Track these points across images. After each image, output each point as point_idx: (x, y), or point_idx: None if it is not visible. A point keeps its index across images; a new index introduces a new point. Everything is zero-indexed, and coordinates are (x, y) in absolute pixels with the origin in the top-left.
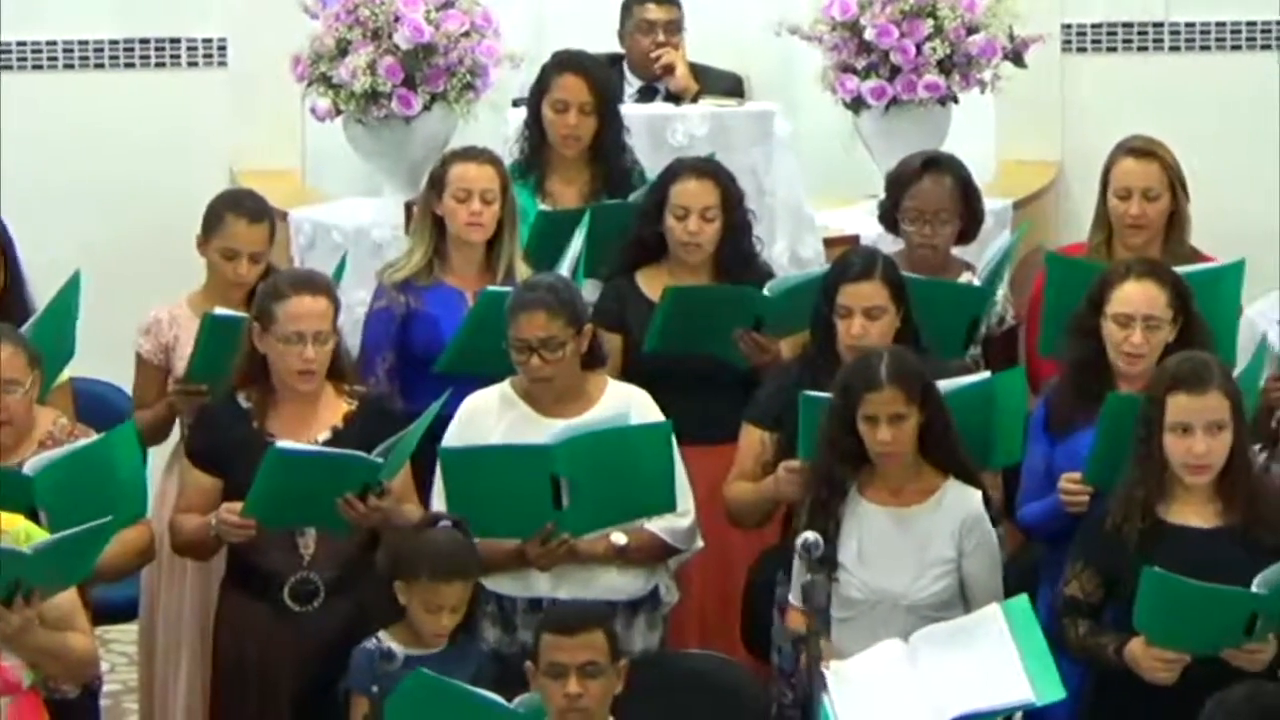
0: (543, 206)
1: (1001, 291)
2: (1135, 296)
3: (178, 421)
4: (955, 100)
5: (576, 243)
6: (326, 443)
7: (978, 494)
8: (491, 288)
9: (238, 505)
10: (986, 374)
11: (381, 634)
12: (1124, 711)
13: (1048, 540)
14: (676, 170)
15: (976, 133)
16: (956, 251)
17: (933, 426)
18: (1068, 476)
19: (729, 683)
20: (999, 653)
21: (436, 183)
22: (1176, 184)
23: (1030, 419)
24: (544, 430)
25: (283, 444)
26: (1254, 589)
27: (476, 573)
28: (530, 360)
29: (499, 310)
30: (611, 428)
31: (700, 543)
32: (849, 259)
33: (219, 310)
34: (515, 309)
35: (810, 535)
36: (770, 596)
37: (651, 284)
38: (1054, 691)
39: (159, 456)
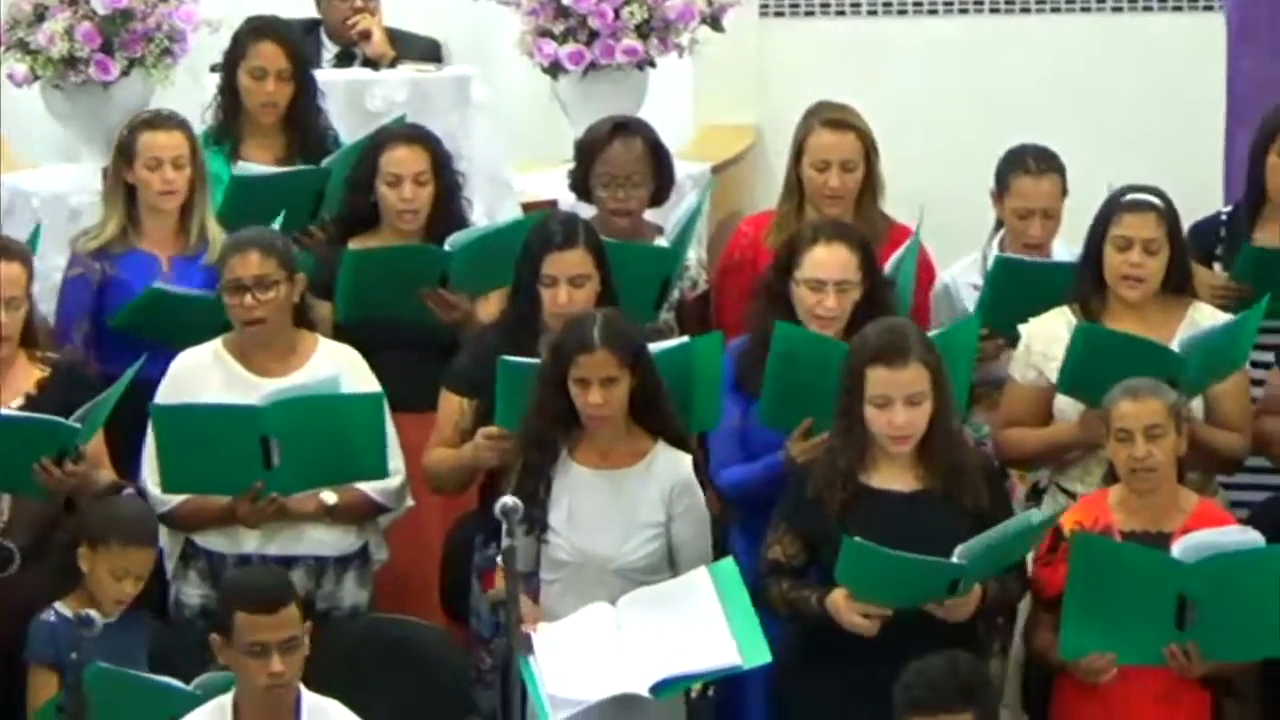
0: (236, 171)
1: (694, 255)
2: (827, 260)
3: None
4: (653, 65)
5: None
6: (20, 409)
7: (687, 458)
8: None
9: None
10: (685, 339)
11: (58, 604)
12: (825, 665)
13: (745, 504)
14: (385, 138)
15: (674, 97)
16: (649, 215)
17: (644, 390)
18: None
19: (428, 647)
20: (706, 616)
21: (125, 151)
22: (870, 152)
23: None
24: (256, 389)
25: None
26: (954, 559)
27: (157, 541)
28: (244, 300)
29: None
30: (323, 394)
31: (410, 501)
32: (550, 227)
33: None
34: (228, 252)
35: (509, 500)
36: (469, 561)
37: None
38: (760, 655)
39: None
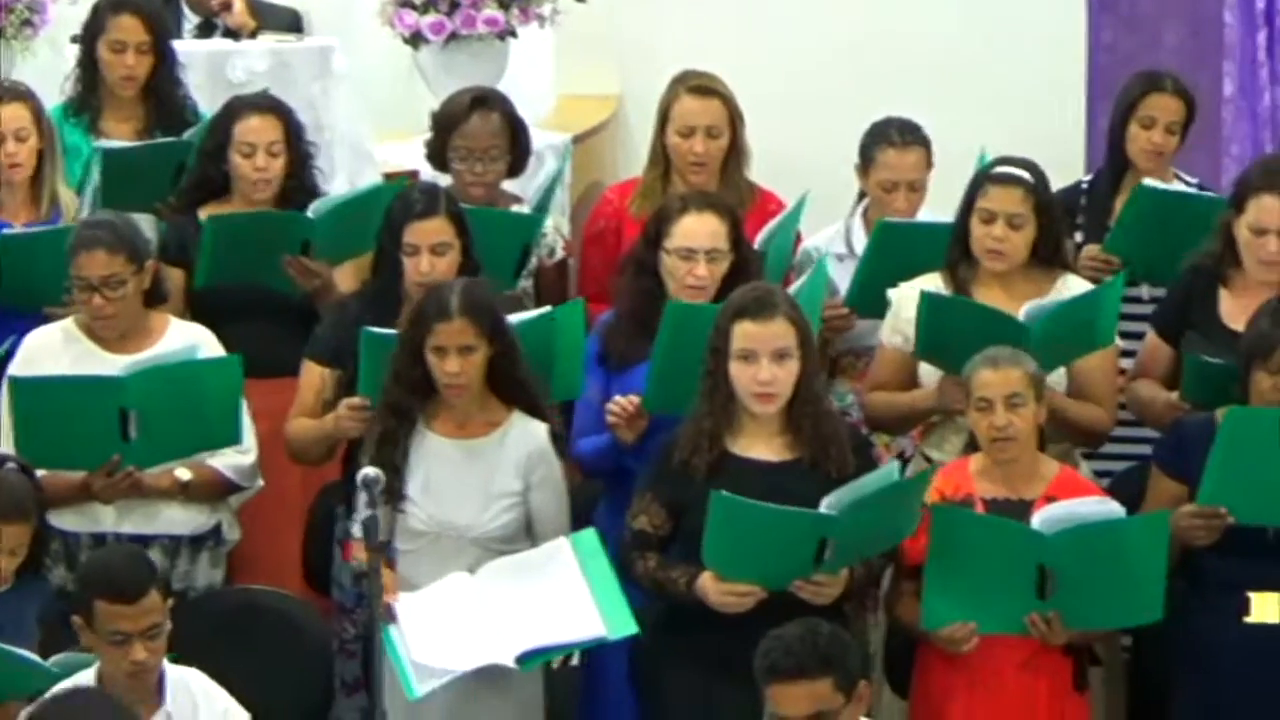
0: (98, 143)
1: (552, 223)
2: (696, 230)
3: None
4: (514, 35)
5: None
6: None
7: (543, 428)
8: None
9: None
10: (546, 309)
11: None
12: (687, 639)
13: (602, 475)
14: (237, 108)
15: (535, 68)
16: (506, 185)
17: (501, 359)
18: (616, 400)
19: (290, 618)
20: (569, 587)
21: None
22: (736, 119)
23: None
24: (108, 366)
25: None
26: (822, 509)
27: (36, 514)
28: (93, 299)
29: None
30: (183, 360)
31: (261, 481)
32: (411, 196)
33: None
34: (76, 248)
35: (370, 470)
36: (330, 532)
37: None
38: (625, 626)
39: None
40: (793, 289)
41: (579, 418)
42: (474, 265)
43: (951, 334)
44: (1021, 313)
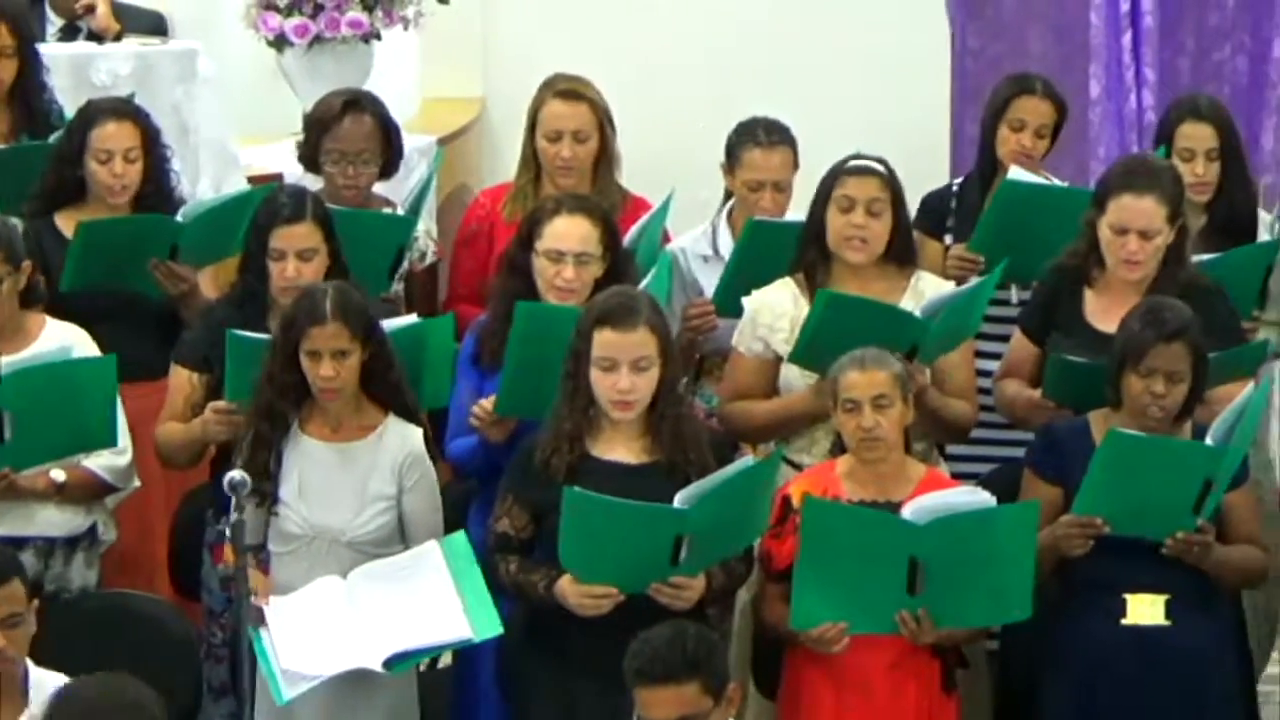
0: None
1: (423, 227)
2: (567, 232)
3: None
4: (379, 37)
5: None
6: None
7: (418, 431)
8: None
9: None
10: (413, 317)
11: None
12: (550, 641)
13: (476, 476)
14: (94, 113)
15: (400, 70)
16: (377, 188)
17: (375, 363)
18: (479, 403)
19: (159, 622)
20: (437, 589)
21: None
22: (605, 123)
23: (458, 355)
24: None
25: None
26: (675, 504)
27: None
28: None
29: None
30: (58, 360)
31: (137, 481)
32: (278, 200)
33: None
34: None
35: (237, 473)
36: (197, 536)
37: (71, 225)
38: (491, 627)
39: None
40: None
41: (453, 418)
42: (342, 269)
43: (844, 334)
44: (918, 309)
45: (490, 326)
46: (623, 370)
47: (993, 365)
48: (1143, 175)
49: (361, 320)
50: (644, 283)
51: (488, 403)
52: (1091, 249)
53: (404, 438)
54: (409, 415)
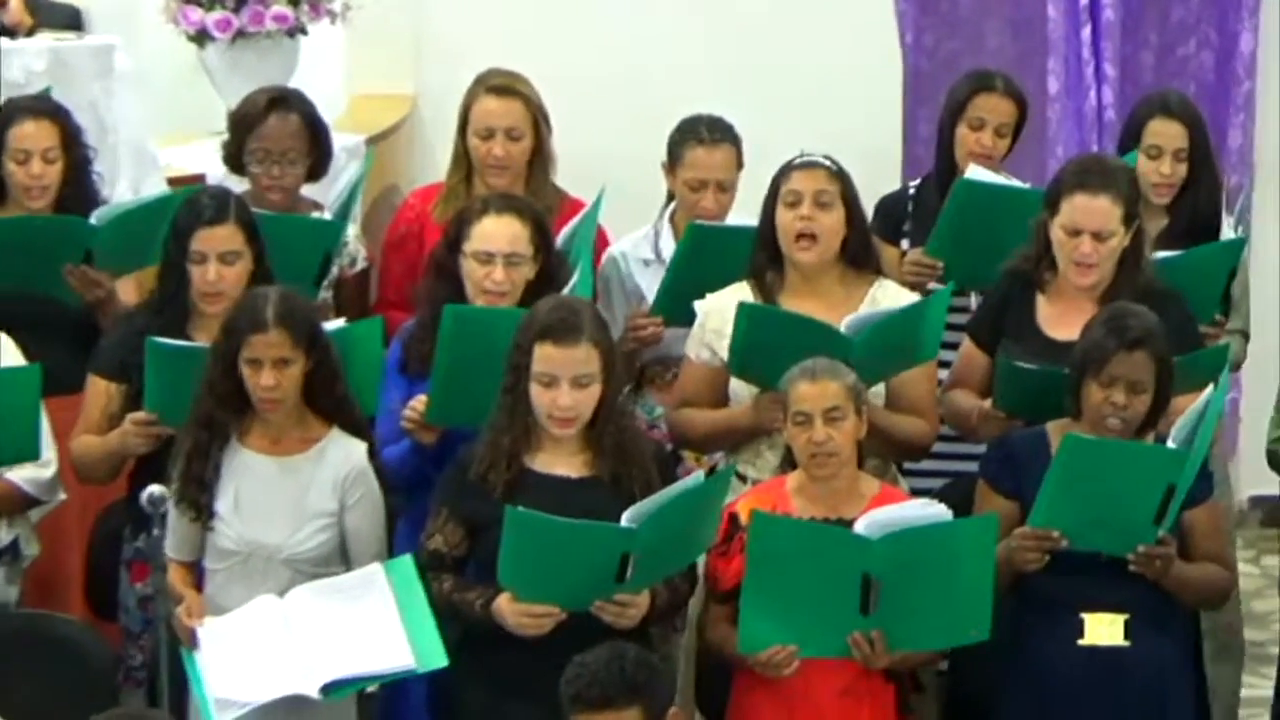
0: None
1: (353, 231)
2: (496, 233)
3: None
4: (304, 32)
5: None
6: None
7: (361, 446)
8: None
9: None
10: (341, 322)
11: None
12: (483, 662)
13: (406, 487)
14: (11, 113)
15: (326, 66)
16: (304, 190)
17: (318, 373)
18: (410, 403)
19: (75, 643)
20: (380, 615)
21: None
22: (540, 120)
23: (385, 362)
24: None
25: None
26: (623, 523)
27: None
28: None
29: None
30: None
31: (63, 494)
32: (200, 201)
33: None
34: None
35: (156, 489)
36: (115, 553)
37: None
38: (436, 658)
39: None
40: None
41: (381, 427)
42: (266, 274)
43: (770, 348)
44: (843, 325)
45: (417, 332)
46: (563, 386)
47: (945, 374)
48: (1097, 174)
49: (305, 328)
50: (567, 287)
51: (419, 403)
52: (1043, 252)
53: (347, 452)
54: (354, 429)
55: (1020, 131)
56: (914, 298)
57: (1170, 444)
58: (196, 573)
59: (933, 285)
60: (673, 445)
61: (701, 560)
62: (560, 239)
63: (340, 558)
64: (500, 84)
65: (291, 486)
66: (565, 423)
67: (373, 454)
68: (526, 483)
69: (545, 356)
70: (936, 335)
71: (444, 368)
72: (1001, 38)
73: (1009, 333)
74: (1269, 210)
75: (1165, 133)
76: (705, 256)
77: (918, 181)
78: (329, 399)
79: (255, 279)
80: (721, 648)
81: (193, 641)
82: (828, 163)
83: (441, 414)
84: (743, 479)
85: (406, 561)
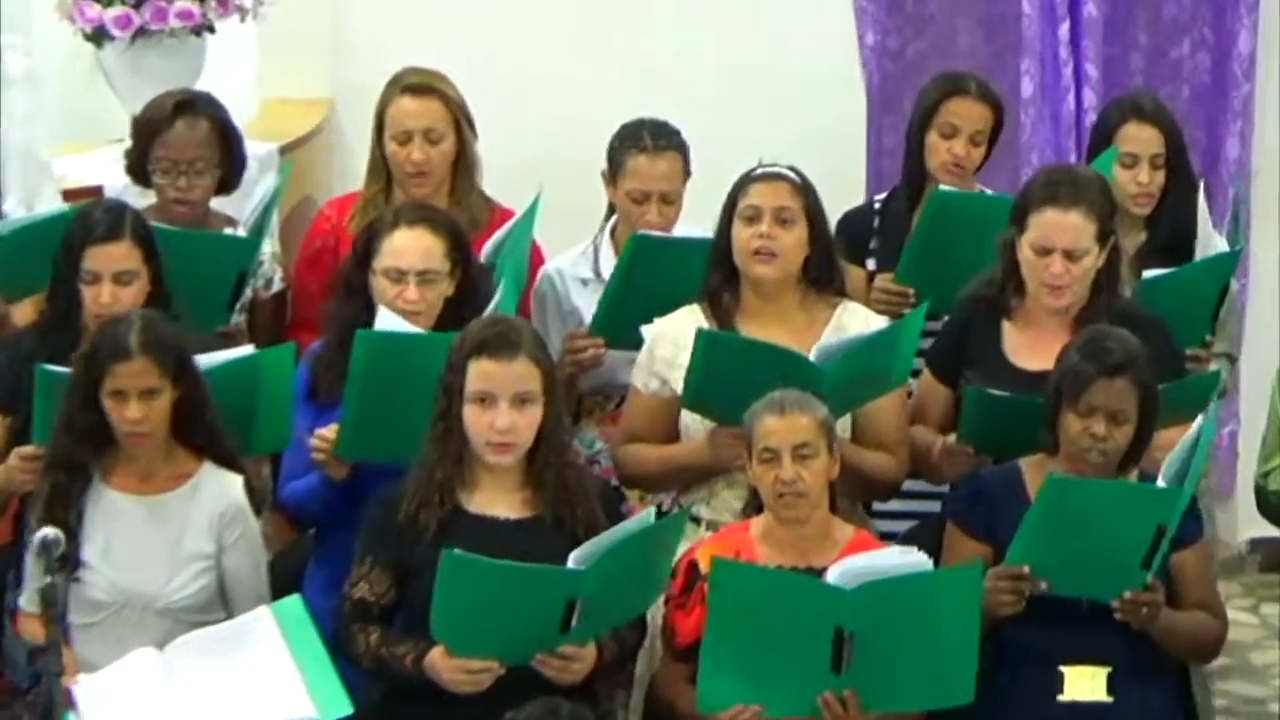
0: None
1: (269, 249)
2: (407, 247)
3: None
4: (212, 30)
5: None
6: None
7: (238, 480)
8: None
9: None
10: (249, 348)
11: None
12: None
13: (315, 523)
14: None
15: (235, 68)
16: (216, 204)
17: (188, 403)
18: (319, 431)
19: None
20: (272, 662)
21: None
22: (462, 121)
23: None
24: None
25: None
26: (569, 565)
27: None
28: None
29: None
30: None
31: None
32: (93, 216)
33: None
34: None
35: (50, 531)
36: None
37: None
38: (338, 706)
39: None
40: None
41: (287, 460)
42: (164, 296)
43: (730, 379)
44: (813, 353)
45: (325, 356)
46: (501, 406)
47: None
48: (1067, 186)
49: (172, 355)
50: (490, 306)
51: (330, 431)
52: (1010, 275)
53: (222, 488)
54: (227, 462)
55: (996, 139)
56: (882, 322)
57: (1160, 481)
58: (65, 628)
59: (906, 311)
60: (618, 480)
61: (656, 612)
62: (487, 250)
63: (220, 604)
64: (416, 82)
65: (165, 528)
66: (504, 448)
67: (250, 489)
68: (460, 524)
69: (481, 373)
70: (908, 361)
71: (355, 398)
72: (974, 38)
73: (972, 363)
74: (1270, 225)
75: (1140, 138)
76: (649, 272)
77: (884, 195)
78: (200, 430)
79: (153, 300)
80: (679, 709)
81: (69, 701)
82: (791, 174)
83: (352, 447)
84: (697, 521)
85: (295, 602)
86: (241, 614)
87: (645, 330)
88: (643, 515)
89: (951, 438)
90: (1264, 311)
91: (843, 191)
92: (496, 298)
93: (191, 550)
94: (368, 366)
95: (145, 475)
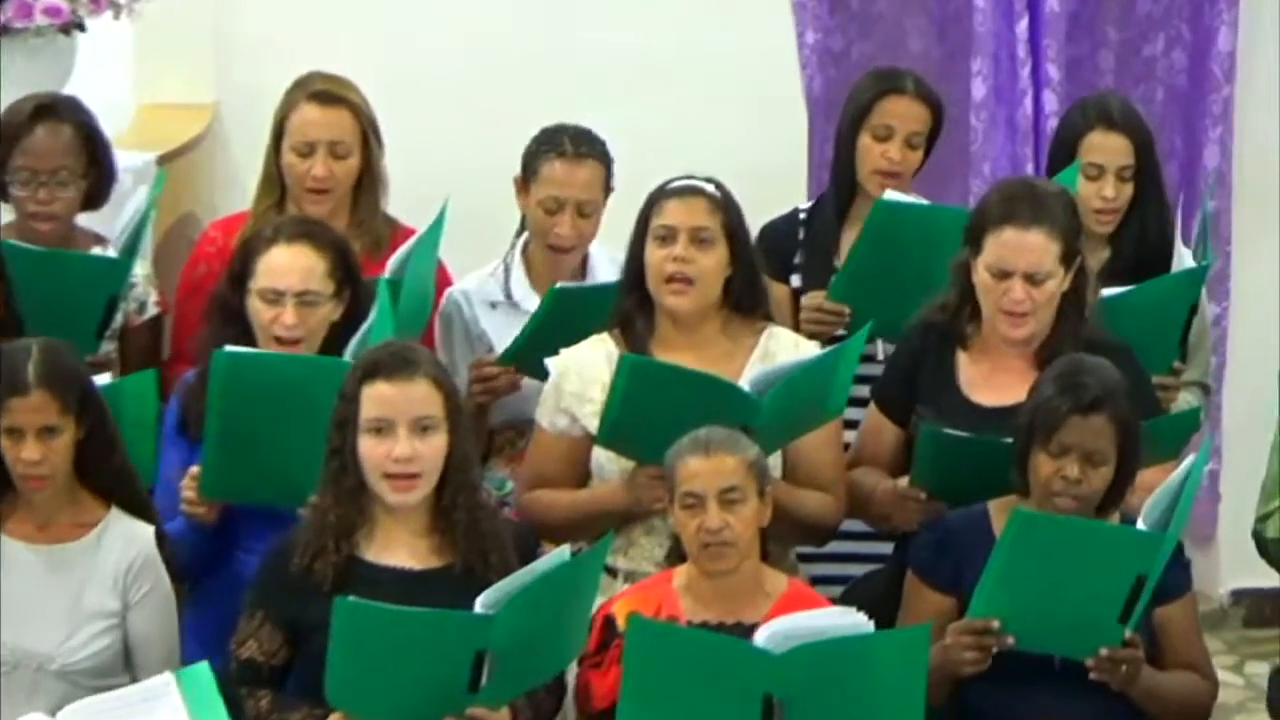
0: None
1: (141, 271)
2: (285, 266)
3: None
4: (83, 28)
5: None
6: None
7: (149, 530)
8: None
9: None
10: (106, 377)
11: None
12: None
13: (186, 572)
14: None
15: (110, 70)
16: (84, 220)
17: (93, 443)
18: (190, 472)
19: None
20: None
21: None
22: (370, 135)
23: (163, 424)
24: None
25: None
26: (477, 609)
27: None
28: None
29: None
30: None
31: None
32: None
33: None
34: None
35: None
36: None
37: None
38: None
39: None
40: (362, 329)
41: (158, 501)
42: (15, 321)
43: (654, 413)
44: (746, 383)
45: (197, 387)
46: (400, 433)
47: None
48: (1027, 203)
49: (75, 389)
50: (363, 327)
51: (198, 470)
52: (965, 300)
53: (130, 538)
54: (137, 509)
55: (934, 142)
56: (813, 346)
57: (1141, 525)
58: None
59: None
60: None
61: (570, 671)
62: (392, 266)
63: (124, 666)
64: (325, 90)
65: (64, 582)
66: (405, 481)
67: (161, 540)
68: (358, 575)
69: (377, 397)
70: (845, 389)
71: (217, 428)
72: (926, 39)
73: (924, 398)
74: (1254, 243)
75: (1107, 147)
76: (567, 315)
77: (809, 205)
78: (106, 473)
79: (4, 330)
80: None
81: None
82: (710, 189)
83: (216, 486)
84: (614, 573)
85: (203, 670)
86: (147, 679)
87: (550, 363)
88: (556, 553)
89: (903, 481)
90: (1247, 339)
91: (783, 206)
92: (369, 320)
93: (93, 607)
94: (227, 391)
95: (44, 522)
